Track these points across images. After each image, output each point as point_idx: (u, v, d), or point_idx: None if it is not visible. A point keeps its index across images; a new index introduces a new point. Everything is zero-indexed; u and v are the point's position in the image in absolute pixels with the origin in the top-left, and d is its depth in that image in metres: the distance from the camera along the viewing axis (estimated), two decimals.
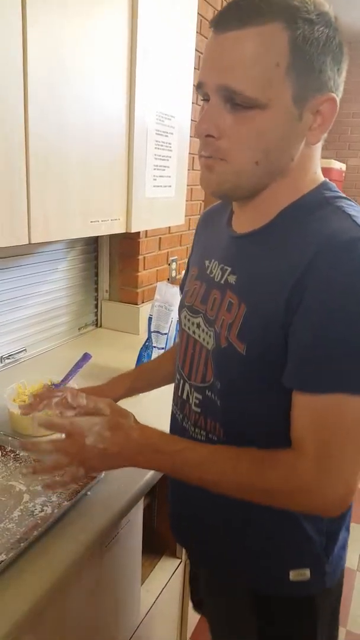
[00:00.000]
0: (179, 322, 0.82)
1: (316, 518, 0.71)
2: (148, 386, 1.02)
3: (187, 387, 0.78)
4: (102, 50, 1.12)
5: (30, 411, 0.84)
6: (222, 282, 0.70)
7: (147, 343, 1.44)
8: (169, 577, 1.27)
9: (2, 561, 0.71)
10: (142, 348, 1.44)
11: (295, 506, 0.65)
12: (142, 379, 1.00)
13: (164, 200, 1.50)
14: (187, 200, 1.70)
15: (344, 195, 0.66)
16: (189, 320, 0.77)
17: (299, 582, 0.72)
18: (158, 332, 1.45)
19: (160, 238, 1.89)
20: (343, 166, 3.70)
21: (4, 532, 0.78)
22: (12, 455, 0.98)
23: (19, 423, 1.06)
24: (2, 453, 0.98)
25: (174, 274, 2.01)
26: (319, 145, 0.65)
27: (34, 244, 1.02)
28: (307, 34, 0.55)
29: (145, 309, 1.81)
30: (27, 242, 1.00)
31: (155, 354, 1.42)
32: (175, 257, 2.02)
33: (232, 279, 0.69)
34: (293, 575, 0.72)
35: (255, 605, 0.76)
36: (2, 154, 0.90)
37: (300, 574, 0.72)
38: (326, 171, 3.38)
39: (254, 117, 0.58)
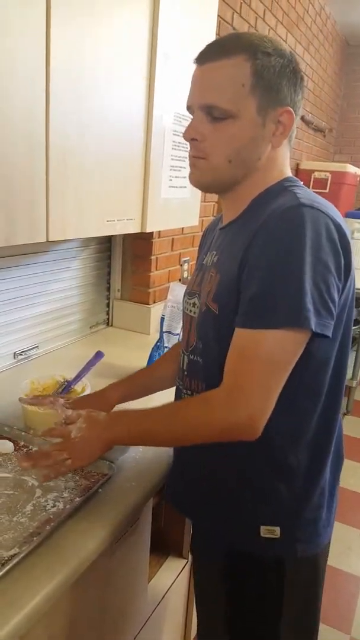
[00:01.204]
0: (182, 308, 0.94)
1: (287, 476, 0.78)
2: (144, 391, 1.07)
3: (185, 359, 0.89)
4: (123, 53, 1.13)
5: (36, 403, 1.01)
6: (210, 264, 0.85)
7: (158, 343, 1.45)
8: (174, 577, 1.27)
9: (15, 554, 0.72)
10: (153, 348, 1.45)
11: (212, 433, 0.74)
12: (137, 384, 1.06)
13: (179, 200, 1.50)
14: (201, 202, 1.70)
15: (302, 185, 0.80)
16: (187, 302, 0.91)
17: (269, 540, 0.79)
18: (170, 332, 1.45)
19: (173, 239, 1.90)
20: (358, 170, 3.69)
21: (17, 526, 0.78)
22: (25, 450, 0.99)
23: (32, 418, 1.07)
24: (15, 448, 0.99)
25: (185, 274, 2.02)
26: (284, 148, 0.80)
27: (49, 242, 1.03)
28: (265, 63, 0.73)
29: (156, 309, 1.82)
30: (45, 240, 1.01)
31: (184, 337, 1.42)
32: (188, 258, 2.02)
33: (215, 259, 0.84)
34: (264, 530, 0.79)
35: (227, 567, 0.84)
36: (23, 153, 0.91)
37: (270, 531, 0.79)
38: (341, 175, 3.38)
39: (228, 125, 0.75)
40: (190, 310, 0.89)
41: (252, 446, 0.73)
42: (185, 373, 0.89)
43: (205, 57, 0.76)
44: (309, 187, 0.80)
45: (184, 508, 0.94)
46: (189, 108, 0.80)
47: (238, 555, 0.82)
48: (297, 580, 0.83)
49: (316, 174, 3.38)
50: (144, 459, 1.00)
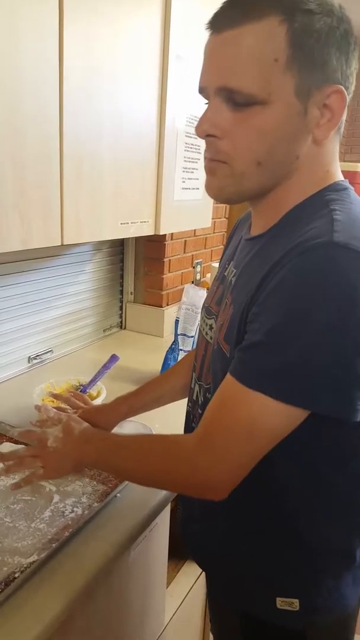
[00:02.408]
0: (199, 326, 0.82)
1: (296, 546, 0.67)
2: (154, 403, 0.97)
3: (197, 387, 0.79)
4: (135, 55, 1.12)
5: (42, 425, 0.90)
6: (228, 283, 0.71)
7: (173, 346, 1.44)
8: (192, 582, 1.26)
9: (34, 561, 0.71)
10: (168, 351, 1.44)
11: (176, 484, 0.68)
12: (146, 397, 0.96)
13: (192, 202, 1.49)
14: (214, 203, 1.69)
15: (351, 196, 0.61)
16: (204, 321, 0.78)
17: (287, 612, 0.68)
18: (184, 334, 1.44)
19: (185, 241, 1.89)
20: None
21: (35, 532, 0.78)
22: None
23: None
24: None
25: (198, 276, 2.01)
26: (332, 143, 0.61)
27: (64, 245, 1.03)
28: (307, 26, 0.53)
29: (169, 312, 1.81)
30: (60, 244, 1.01)
31: (181, 356, 1.42)
32: (200, 260, 2.01)
33: (234, 281, 0.69)
34: (280, 603, 0.68)
35: (243, 629, 0.74)
36: (38, 157, 0.91)
37: (287, 603, 0.68)
38: (352, 175, 3.33)
39: (255, 114, 0.56)
40: (207, 334, 0.76)
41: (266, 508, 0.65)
42: (201, 412, 0.76)
43: (223, 21, 0.55)
44: None
45: (196, 553, 0.83)
46: (201, 91, 0.60)
47: (254, 620, 0.73)
48: None
49: None
50: None
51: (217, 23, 0.56)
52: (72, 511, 0.83)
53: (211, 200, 1.63)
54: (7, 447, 0.99)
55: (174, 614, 1.15)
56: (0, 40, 0.79)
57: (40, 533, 0.78)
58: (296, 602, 0.68)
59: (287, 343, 0.53)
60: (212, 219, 1.77)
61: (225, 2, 0.57)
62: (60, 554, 0.74)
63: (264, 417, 0.56)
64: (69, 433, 0.77)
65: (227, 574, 0.75)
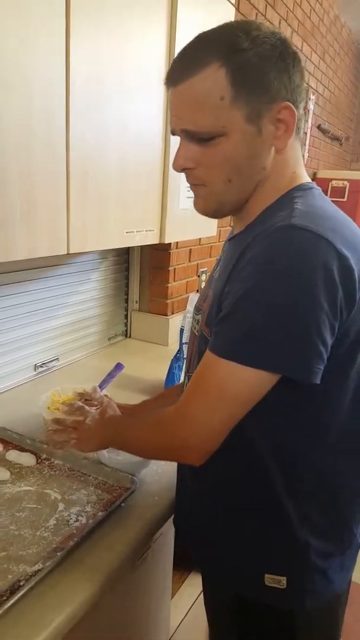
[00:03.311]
0: (191, 325, 0.89)
1: (280, 523, 0.70)
2: None
3: (186, 380, 0.85)
4: (140, 64, 1.14)
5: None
6: (212, 278, 0.80)
7: (178, 354, 1.44)
8: (197, 593, 1.25)
9: (39, 570, 0.71)
10: (173, 359, 1.44)
11: (159, 450, 0.74)
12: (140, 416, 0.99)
13: None
14: None
15: (315, 193, 0.69)
16: (193, 318, 0.86)
17: (275, 590, 0.72)
18: (189, 345, 1.44)
19: (190, 249, 1.90)
20: None
21: (40, 541, 0.78)
22: (47, 463, 0.99)
23: None
24: (37, 461, 0.99)
25: (203, 285, 2.01)
26: (293, 148, 0.70)
27: (70, 254, 1.03)
28: (243, 63, 0.62)
29: (174, 321, 1.81)
30: (66, 252, 1.02)
31: (185, 366, 1.42)
32: (205, 269, 2.01)
33: (215, 275, 0.79)
34: (268, 579, 0.72)
35: (237, 611, 0.78)
36: (45, 166, 0.92)
37: (275, 580, 0.72)
38: (358, 183, 3.35)
39: (217, 145, 0.66)
40: (195, 328, 0.83)
41: (252, 486, 0.70)
42: None
43: (175, 76, 0.66)
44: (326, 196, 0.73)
45: (187, 536, 0.86)
46: (173, 133, 0.71)
47: (245, 601, 0.77)
48: (310, 628, 0.76)
49: (334, 183, 3.36)
50: (166, 473, 0.99)
51: (172, 78, 0.67)
52: (77, 520, 0.83)
53: None
54: (13, 455, 0.99)
55: (179, 625, 1.14)
56: (10, 54, 0.81)
57: (45, 541, 0.78)
58: (284, 580, 0.71)
59: (249, 312, 0.61)
60: (218, 227, 1.78)
61: (175, 60, 0.67)
62: (65, 562, 0.74)
63: (233, 382, 0.62)
64: (102, 416, 0.89)
65: (217, 552, 0.78)
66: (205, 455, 0.67)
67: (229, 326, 0.63)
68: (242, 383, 0.62)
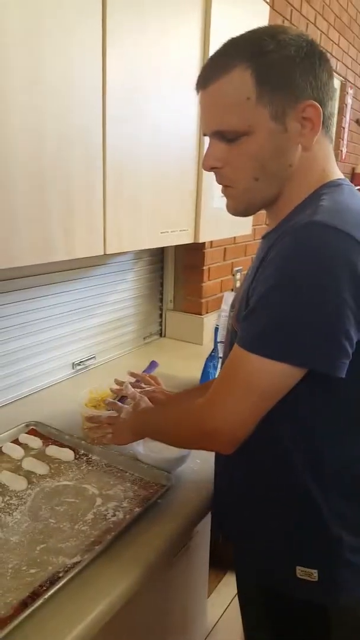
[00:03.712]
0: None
1: (311, 516, 0.71)
2: None
3: None
4: (175, 67, 1.15)
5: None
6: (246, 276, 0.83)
7: (212, 353, 1.44)
8: (234, 593, 1.24)
9: (78, 562, 0.73)
10: (208, 358, 1.44)
11: (187, 438, 0.78)
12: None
13: None
14: None
15: (344, 190, 0.70)
16: (229, 315, 0.90)
17: (307, 583, 0.72)
18: (224, 342, 1.44)
19: (225, 248, 1.90)
20: None
21: (79, 534, 0.80)
22: (85, 458, 1.01)
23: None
24: (75, 456, 1.01)
25: (238, 284, 2.00)
26: (322, 145, 0.71)
27: (106, 255, 1.05)
28: (268, 64, 0.65)
29: (209, 320, 1.81)
30: (103, 253, 1.04)
31: (220, 364, 1.42)
32: (240, 268, 2.00)
33: (248, 272, 0.81)
34: (299, 572, 0.72)
35: (271, 608, 0.79)
36: (82, 168, 0.94)
37: (307, 573, 0.72)
38: None
39: (243, 143, 0.68)
40: (229, 324, 0.86)
41: (285, 474, 0.71)
42: None
43: (204, 79, 0.70)
44: None
45: (223, 525, 0.87)
46: (204, 134, 0.75)
47: (278, 595, 0.77)
48: (345, 625, 0.75)
49: None
50: (201, 471, 0.99)
51: (201, 81, 0.71)
52: (114, 515, 0.84)
53: None
54: (52, 450, 1.02)
55: (215, 623, 1.14)
56: (50, 62, 0.83)
57: (83, 535, 0.80)
58: (315, 572, 0.72)
59: (273, 307, 0.63)
60: (252, 225, 1.77)
61: (204, 65, 0.71)
62: (102, 556, 0.76)
63: (258, 375, 0.64)
64: (135, 409, 0.94)
65: (250, 544, 0.79)
66: (234, 443, 0.69)
67: (254, 321, 0.65)
68: (268, 375, 0.64)
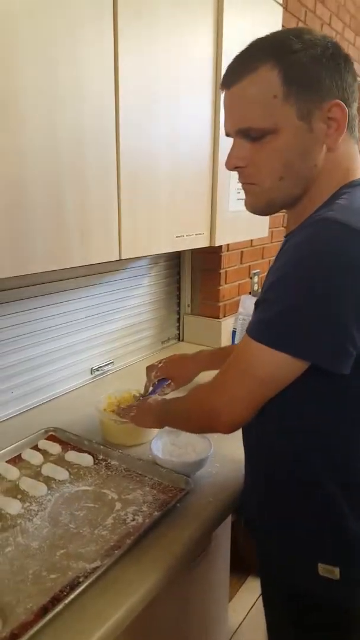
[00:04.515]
0: None
1: (332, 513, 0.71)
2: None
3: None
4: (189, 70, 1.15)
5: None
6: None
7: None
8: (255, 598, 1.23)
9: (98, 567, 0.73)
10: None
11: (192, 418, 0.82)
12: (223, 357, 1.08)
13: (248, 212, 1.49)
14: None
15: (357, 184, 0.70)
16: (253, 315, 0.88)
17: (329, 581, 0.71)
18: None
19: (242, 252, 1.89)
20: None
21: (99, 539, 0.80)
22: (104, 463, 1.01)
23: (110, 432, 1.10)
24: (94, 461, 1.02)
25: (255, 287, 1.99)
26: (347, 145, 0.70)
27: (122, 260, 1.06)
28: (295, 63, 0.65)
29: (226, 323, 1.81)
30: (118, 258, 1.04)
31: None
32: (258, 271, 2.00)
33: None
34: (321, 569, 0.72)
35: (294, 609, 0.78)
36: (96, 175, 0.95)
37: (328, 570, 0.72)
38: None
39: (268, 142, 0.68)
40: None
41: (314, 471, 0.71)
42: None
43: (230, 79, 0.70)
44: None
45: (248, 522, 0.88)
46: (227, 134, 0.75)
47: (301, 597, 0.77)
48: None
49: None
50: (220, 474, 0.99)
51: (227, 81, 0.71)
52: (133, 519, 0.84)
53: None
54: (72, 455, 1.03)
55: (237, 628, 1.13)
56: (63, 68, 0.85)
57: (103, 540, 0.80)
58: (337, 570, 0.71)
59: (279, 298, 0.64)
60: (270, 228, 1.76)
61: (229, 64, 0.71)
62: (122, 560, 0.76)
63: (260, 362, 0.66)
64: (155, 399, 1.01)
65: (271, 540, 0.80)
66: (232, 425, 0.73)
67: (262, 311, 0.67)
68: (268, 364, 0.66)
